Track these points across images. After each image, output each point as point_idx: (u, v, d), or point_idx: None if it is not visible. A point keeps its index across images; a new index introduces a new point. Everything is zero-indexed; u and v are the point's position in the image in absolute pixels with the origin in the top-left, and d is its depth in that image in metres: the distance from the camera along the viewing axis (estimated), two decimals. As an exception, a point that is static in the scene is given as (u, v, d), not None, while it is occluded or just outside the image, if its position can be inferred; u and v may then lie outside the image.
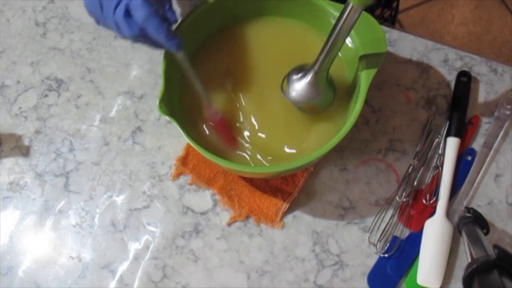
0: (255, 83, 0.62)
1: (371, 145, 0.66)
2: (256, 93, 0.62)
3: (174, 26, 0.52)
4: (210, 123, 0.59)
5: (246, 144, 0.60)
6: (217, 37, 0.64)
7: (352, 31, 0.57)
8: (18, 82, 0.72)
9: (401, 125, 0.66)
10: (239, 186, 0.64)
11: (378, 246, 0.61)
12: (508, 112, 0.65)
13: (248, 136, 0.60)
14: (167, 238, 0.63)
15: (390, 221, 0.62)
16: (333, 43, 0.51)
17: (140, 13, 0.47)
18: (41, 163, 0.67)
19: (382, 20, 0.88)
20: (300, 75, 0.56)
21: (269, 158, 0.59)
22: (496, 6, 1.64)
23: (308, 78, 0.56)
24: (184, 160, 0.66)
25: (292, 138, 0.60)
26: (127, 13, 0.48)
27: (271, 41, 0.64)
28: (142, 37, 0.50)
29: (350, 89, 0.61)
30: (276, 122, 0.61)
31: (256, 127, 0.60)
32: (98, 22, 0.52)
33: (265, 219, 0.63)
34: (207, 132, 0.60)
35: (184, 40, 0.55)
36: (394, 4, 0.88)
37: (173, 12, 0.51)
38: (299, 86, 0.56)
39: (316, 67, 0.54)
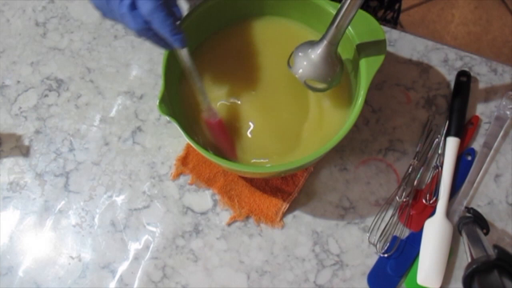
0: (254, 82, 0.62)
1: (371, 145, 0.66)
2: (256, 92, 0.62)
3: (178, 23, 0.51)
4: (209, 123, 0.59)
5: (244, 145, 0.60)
6: (216, 36, 0.64)
7: (351, 30, 0.57)
8: (18, 82, 0.72)
9: (401, 125, 0.66)
10: (239, 186, 0.64)
11: (378, 246, 0.61)
12: (508, 112, 0.65)
13: (246, 136, 0.60)
14: (167, 238, 0.63)
15: (390, 221, 0.62)
16: (345, 13, 0.50)
17: (146, 5, 0.46)
18: (41, 163, 0.67)
19: (385, 22, 0.87)
20: (309, 49, 0.55)
21: (266, 159, 0.59)
22: (496, 6, 1.64)
23: (319, 50, 0.54)
24: (184, 160, 0.66)
25: (292, 137, 0.60)
26: (133, 6, 0.46)
27: (271, 41, 0.64)
28: (146, 31, 0.48)
29: (350, 89, 0.61)
30: (276, 120, 0.61)
31: (255, 127, 0.60)
32: (104, 14, 0.50)
33: (265, 219, 0.63)
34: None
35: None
36: (397, 6, 0.88)
37: (179, 8, 0.50)
38: (308, 59, 0.54)
39: (328, 38, 0.53)
